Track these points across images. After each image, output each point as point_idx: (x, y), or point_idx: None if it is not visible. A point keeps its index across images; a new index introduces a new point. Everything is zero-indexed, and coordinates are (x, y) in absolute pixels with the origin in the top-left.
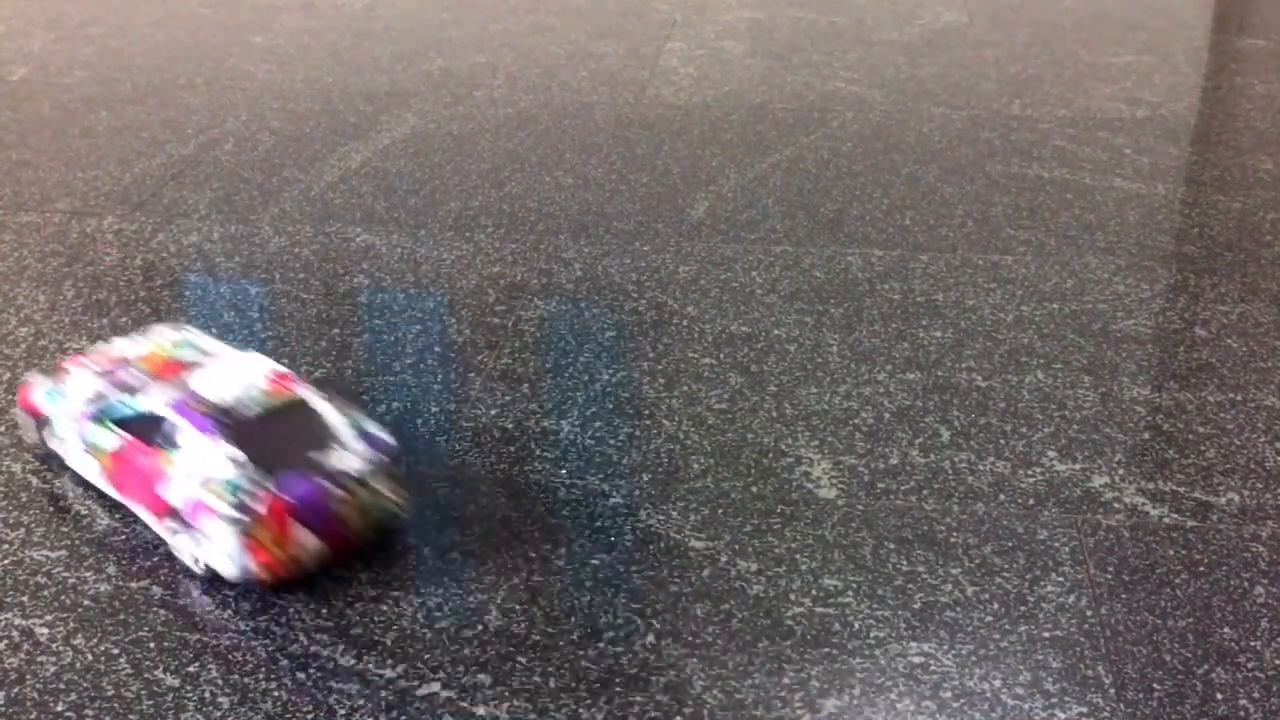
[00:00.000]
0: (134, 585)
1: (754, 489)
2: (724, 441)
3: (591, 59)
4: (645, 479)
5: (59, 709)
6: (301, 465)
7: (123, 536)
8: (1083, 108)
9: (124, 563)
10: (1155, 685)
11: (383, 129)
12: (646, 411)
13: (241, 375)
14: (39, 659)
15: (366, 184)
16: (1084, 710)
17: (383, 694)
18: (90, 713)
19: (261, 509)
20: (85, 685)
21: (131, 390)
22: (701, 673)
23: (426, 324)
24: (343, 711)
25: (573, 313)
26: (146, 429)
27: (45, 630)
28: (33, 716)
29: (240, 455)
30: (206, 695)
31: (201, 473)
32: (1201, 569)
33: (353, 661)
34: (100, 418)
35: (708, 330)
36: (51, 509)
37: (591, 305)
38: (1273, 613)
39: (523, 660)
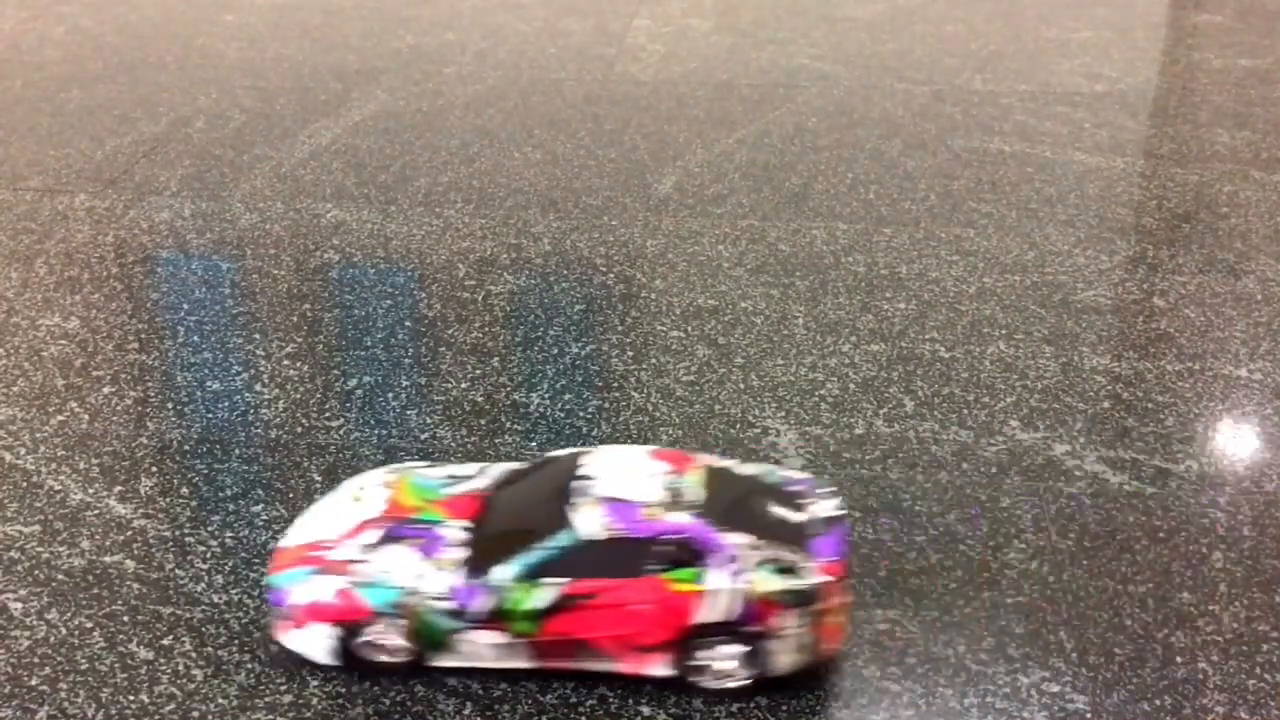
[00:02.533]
0: (107, 560)
1: None
2: (692, 413)
3: (560, 36)
4: None
5: (33, 683)
6: (806, 526)
7: (96, 512)
8: (1043, 82)
9: (97, 537)
10: (1116, 649)
11: (353, 106)
12: (615, 384)
13: (639, 467)
14: (13, 633)
15: (337, 161)
16: (1047, 674)
17: None
18: (64, 686)
19: (822, 580)
20: (59, 659)
21: (484, 538)
22: None
23: (397, 299)
24: (315, 682)
25: (542, 287)
26: (603, 561)
27: (19, 605)
28: (6, 690)
29: (756, 540)
30: (180, 668)
31: (729, 575)
32: (1161, 535)
33: None
34: (520, 576)
35: (675, 303)
36: (24, 485)
37: (561, 279)
38: (1230, 577)
39: None
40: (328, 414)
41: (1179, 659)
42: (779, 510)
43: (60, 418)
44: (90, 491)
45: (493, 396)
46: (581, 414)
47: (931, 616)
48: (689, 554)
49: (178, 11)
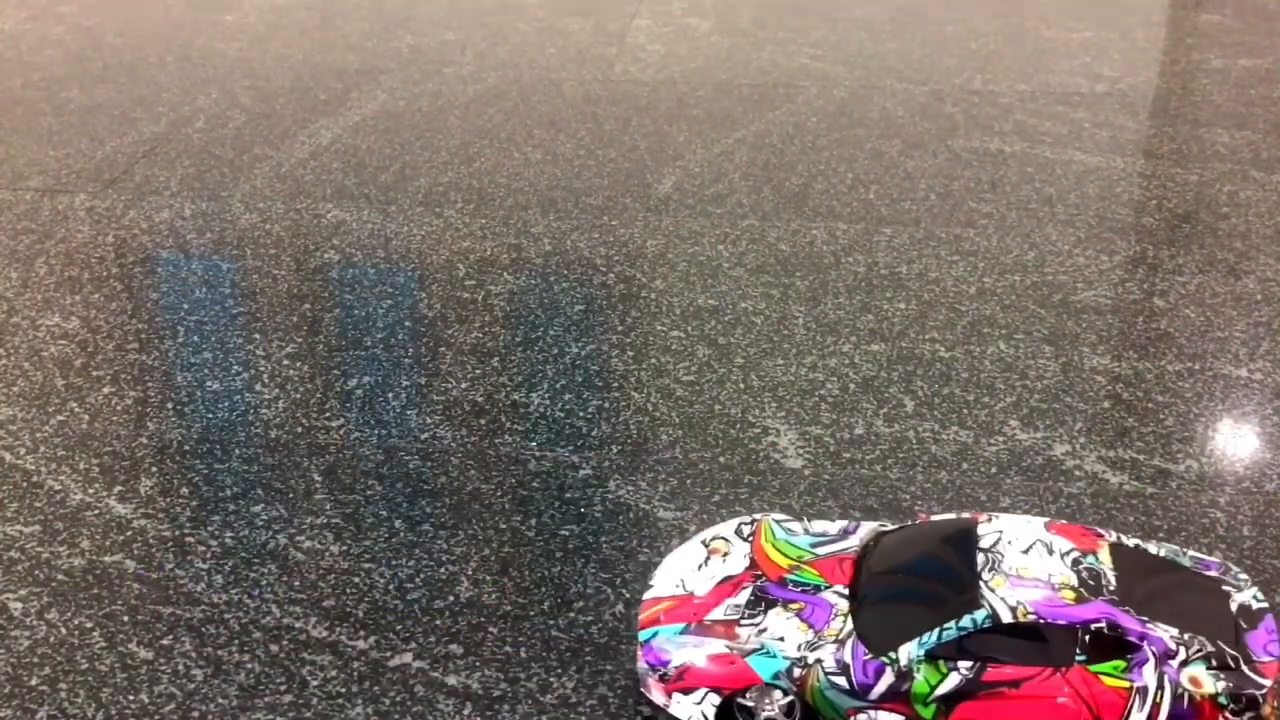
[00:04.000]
0: (107, 560)
1: (722, 459)
2: (692, 413)
3: (560, 36)
4: (614, 450)
5: (33, 683)
6: (1230, 615)
7: (96, 512)
8: (1043, 82)
9: (97, 537)
10: None
11: (353, 106)
12: (615, 384)
13: (1044, 541)
14: (13, 633)
15: (337, 160)
16: None
17: (355, 665)
18: (64, 686)
19: (1263, 680)
20: (59, 659)
21: (881, 607)
22: None
23: (397, 299)
24: (315, 682)
25: (542, 287)
26: (1018, 647)
27: (19, 605)
28: (6, 690)
29: (1184, 633)
30: (180, 668)
31: (1162, 672)
32: (1161, 535)
33: (325, 633)
34: (903, 654)
35: (675, 303)
36: (24, 485)
37: (561, 279)
38: None
39: (494, 630)
40: (328, 414)
41: None
42: (1201, 599)
43: (60, 418)
44: (90, 491)
45: (493, 396)
46: (581, 414)
47: None
48: (1120, 645)
49: (177, 12)
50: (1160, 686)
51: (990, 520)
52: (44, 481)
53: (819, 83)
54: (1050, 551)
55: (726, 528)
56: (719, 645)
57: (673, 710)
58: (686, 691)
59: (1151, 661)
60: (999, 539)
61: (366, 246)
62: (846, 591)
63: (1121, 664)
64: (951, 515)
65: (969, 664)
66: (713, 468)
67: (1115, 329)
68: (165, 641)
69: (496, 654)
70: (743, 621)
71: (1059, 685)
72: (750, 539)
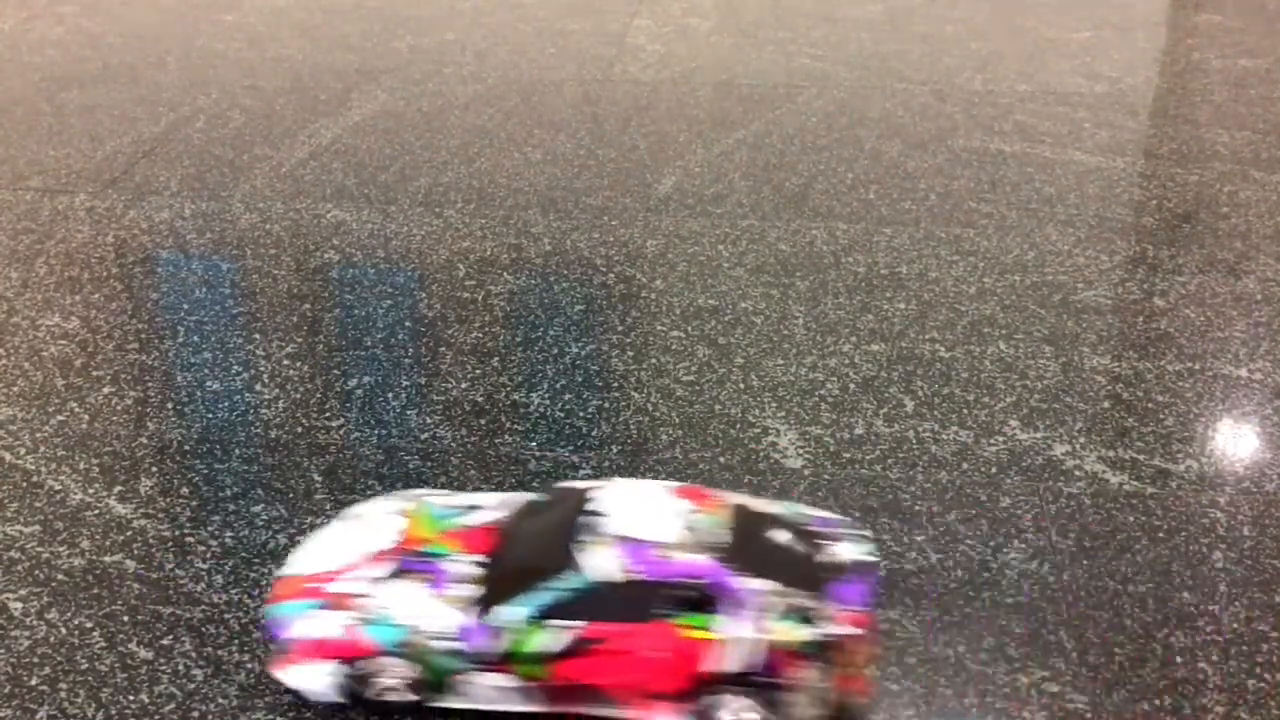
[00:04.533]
0: (107, 560)
1: (722, 459)
2: (692, 413)
3: (560, 36)
4: (615, 450)
5: (33, 683)
6: (828, 570)
7: (96, 512)
8: (1043, 82)
9: (97, 537)
10: (1116, 649)
11: (353, 106)
12: (615, 384)
13: (658, 504)
14: (13, 633)
15: (337, 161)
16: (1046, 674)
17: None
18: (64, 686)
19: (844, 630)
20: (59, 659)
21: (493, 574)
22: None
23: (397, 299)
24: None
25: (542, 287)
26: (616, 605)
27: (19, 605)
28: (6, 690)
29: (778, 586)
30: (180, 668)
31: (748, 622)
32: (1161, 535)
33: None
34: (531, 617)
35: (675, 303)
36: (24, 485)
37: (560, 279)
38: (1230, 577)
39: None
40: (328, 414)
41: (1179, 659)
42: (800, 552)
43: (60, 418)
44: (90, 491)
45: (493, 396)
46: (581, 414)
47: (931, 616)
48: (703, 599)
49: (177, 12)
50: (742, 637)
51: (607, 485)
52: (44, 481)
53: (819, 83)
54: (663, 512)
55: (385, 503)
56: (339, 616)
57: (292, 682)
58: (306, 662)
59: (738, 614)
60: (611, 502)
61: (366, 246)
62: (481, 560)
63: (709, 618)
64: (584, 483)
65: (566, 623)
66: (713, 468)
67: (1115, 329)
68: (165, 641)
69: None
70: (369, 594)
71: (644, 640)
72: (408, 515)
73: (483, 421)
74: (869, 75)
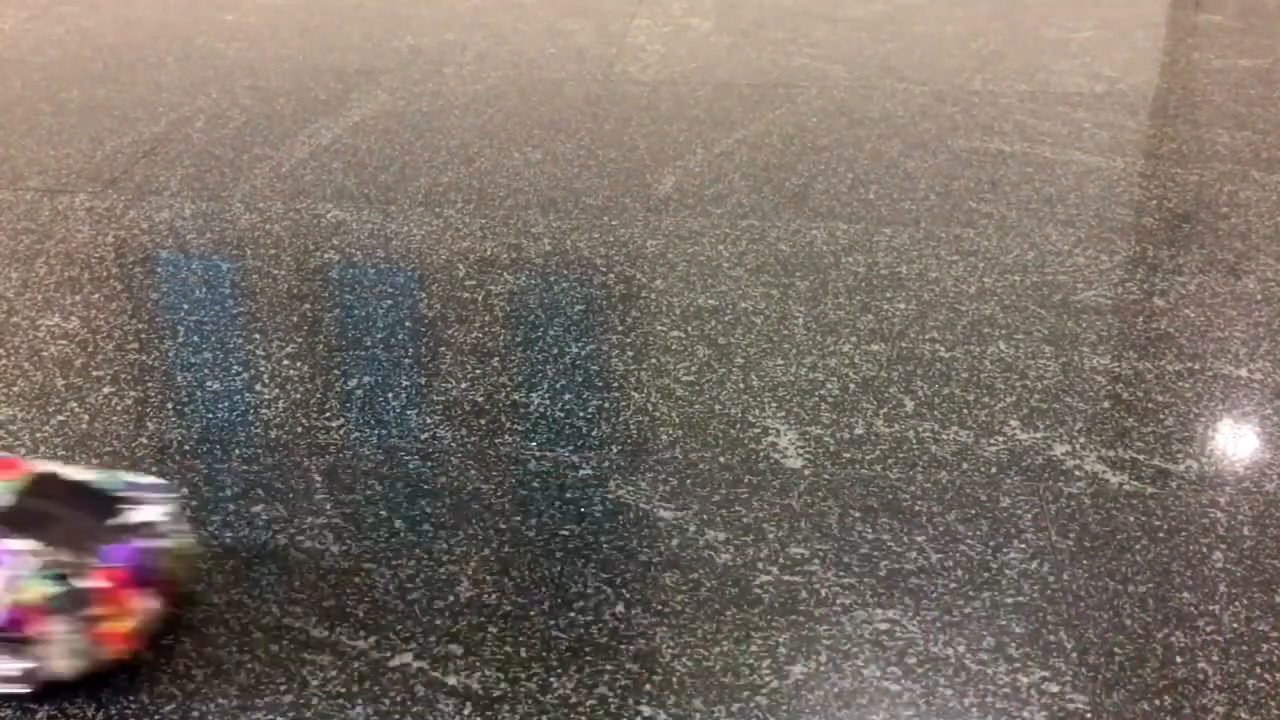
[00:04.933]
0: None
1: (722, 459)
2: (692, 413)
3: (560, 36)
4: (614, 450)
5: None
6: (105, 532)
7: None
8: (1043, 82)
9: None
10: (1116, 649)
11: (353, 106)
12: (615, 384)
13: None
14: None
15: (337, 161)
16: (1046, 674)
17: (355, 665)
18: (64, 686)
19: (97, 587)
20: None
21: None
22: (670, 641)
23: (397, 299)
24: (316, 682)
25: (542, 287)
26: None
27: None
28: (2, 691)
29: (39, 545)
30: (180, 668)
31: (6, 579)
32: (1161, 535)
33: (325, 633)
34: None
35: (675, 303)
36: None
37: (560, 279)
38: (1230, 577)
39: (494, 630)
40: (328, 414)
41: (1179, 659)
42: (86, 515)
43: (60, 418)
44: None
45: (493, 396)
46: (581, 414)
47: (931, 616)
48: None
49: (177, 12)
50: None
51: None
52: None
53: (819, 83)
54: None
55: None
56: None
57: None
58: None
59: None
60: None
61: (366, 246)
62: None
63: None
64: None
65: None
66: (713, 468)
67: (1115, 329)
68: (165, 641)
69: (496, 654)
70: None
71: None
72: None
73: (483, 421)
74: (868, 75)
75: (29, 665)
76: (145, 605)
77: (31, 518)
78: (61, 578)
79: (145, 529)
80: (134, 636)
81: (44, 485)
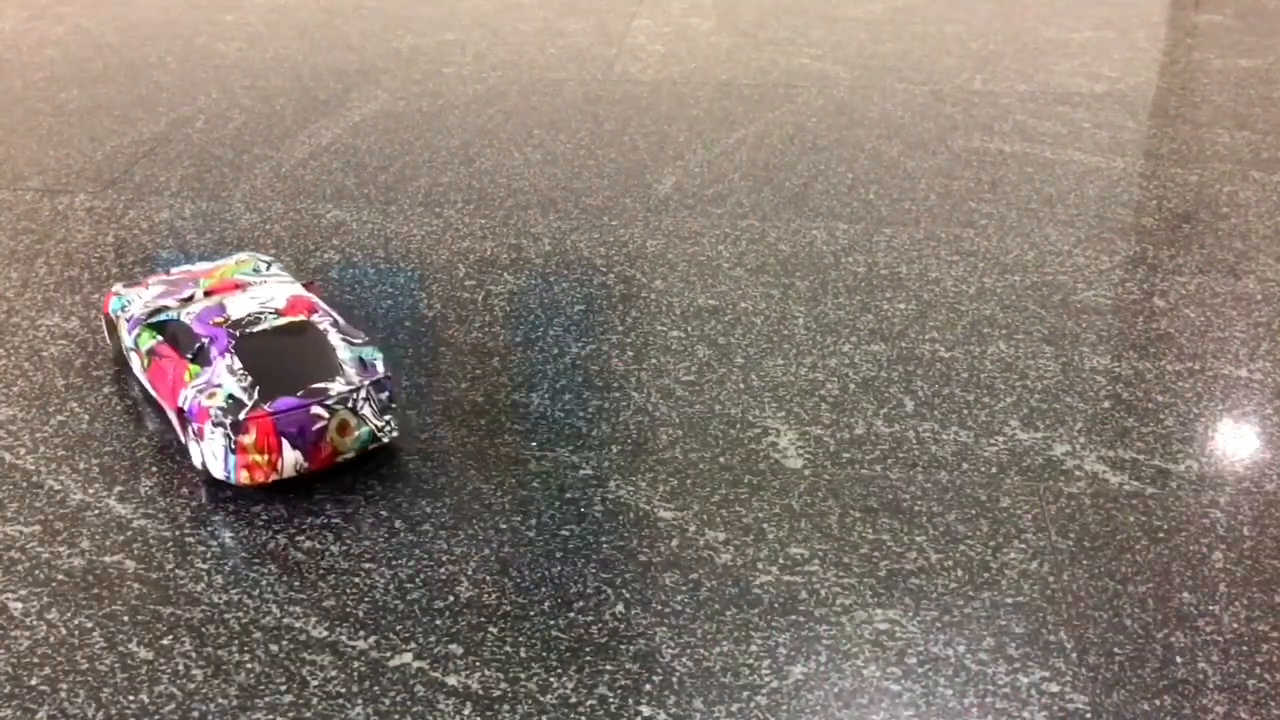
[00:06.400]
0: (107, 560)
1: (722, 459)
2: (692, 413)
3: (560, 36)
4: (614, 450)
5: (33, 683)
6: (294, 384)
7: (96, 512)
8: (1043, 82)
9: (97, 537)
10: (1116, 649)
11: (353, 106)
12: (615, 384)
13: (267, 295)
14: (13, 633)
15: (337, 161)
16: (1046, 674)
17: (355, 665)
18: (64, 686)
19: (250, 419)
20: (59, 659)
21: (183, 302)
22: (670, 641)
23: (397, 299)
24: (316, 683)
25: (542, 287)
26: (180, 338)
27: (19, 605)
28: (6, 690)
29: (239, 367)
30: (180, 668)
31: (209, 381)
32: (1161, 535)
33: (325, 633)
34: (147, 322)
35: (675, 303)
36: (24, 485)
37: (560, 279)
38: (1230, 577)
39: (494, 630)
40: None
41: (1179, 659)
42: (307, 364)
43: (60, 418)
44: (90, 491)
45: (493, 396)
46: (581, 414)
47: (931, 616)
48: (195, 351)
49: (177, 12)
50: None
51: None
52: (44, 481)
53: (819, 83)
54: (259, 303)
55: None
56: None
57: None
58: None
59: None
60: (255, 288)
61: (366, 246)
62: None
63: (197, 368)
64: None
65: (159, 338)
66: (713, 467)
67: (1115, 329)
68: (165, 641)
69: (496, 654)
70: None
71: (174, 365)
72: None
73: (483, 421)
74: (868, 75)
75: (197, 455)
76: (287, 454)
77: (261, 349)
78: (231, 398)
79: (325, 397)
80: (264, 471)
81: (297, 331)
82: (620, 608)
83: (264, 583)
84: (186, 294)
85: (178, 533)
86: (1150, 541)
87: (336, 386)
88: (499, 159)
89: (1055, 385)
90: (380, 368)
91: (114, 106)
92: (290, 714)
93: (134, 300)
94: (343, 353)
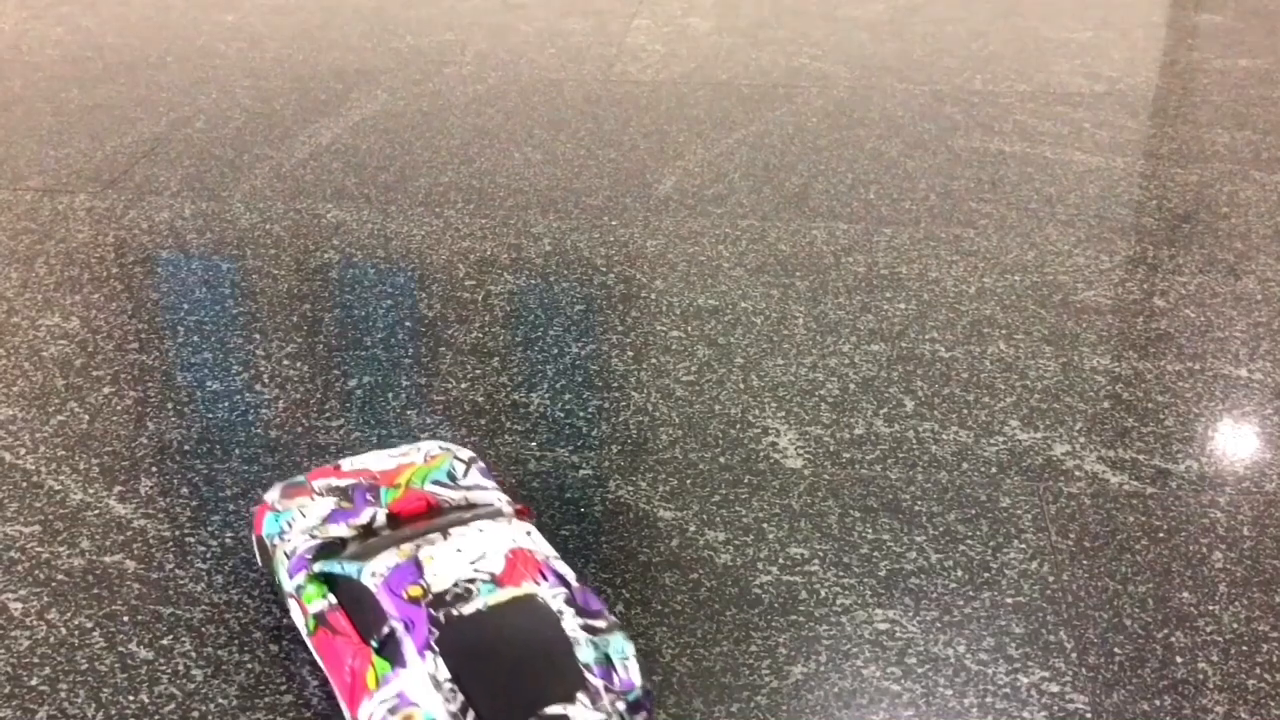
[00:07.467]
0: (108, 560)
1: (722, 459)
2: (692, 413)
3: (560, 36)
4: (614, 450)
5: (33, 683)
6: (524, 704)
7: (96, 512)
8: (1043, 82)
9: (97, 537)
10: (1116, 649)
11: (353, 106)
12: (615, 384)
13: (477, 548)
14: (13, 633)
15: (337, 161)
16: (1046, 674)
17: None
18: (64, 686)
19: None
20: (59, 659)
21: (359, 532)
22: (670, 641)
23: (397, 299)
24: (315, 682)
25: (542, 287)
26: (360, 605)
27: (19, 605)
28: (6, 690)
29: (447, 678)
30: (180, 668)
31: (403, 697)
32: (1161, 535)
33: None
34: (314, 570)
35: (675, 303)
36: (24, 485)
37: (560, 279)
38: (1230, 577)
39: None
40: (328, 414)
41: (1179, 659)
42: (530, 678)
43: (60, 418)
44: (90, 491)
45: (493, 396)
46: (581, 414)
47: (931, 616)
48: (380, 638)
49: (177, 12)
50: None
51: (468, 523)
52: (44, 481)
53: (819, 83)
54: (469, 563)
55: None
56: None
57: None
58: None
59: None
60: (458, 528)
61: (366, 246)
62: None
63: (387, 669)
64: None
65: (331, 600)
66: (713, 468)
67: (1115, 329)
68: (165, 641)
69: None
70: (315, 492)
71: (353, 651)
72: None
73: (483, 421)
74: (868, 75)
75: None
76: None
77: (475, 644)
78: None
79: None
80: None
81: (521, 610)
82: (620, 607)
83: (264, 583)
84: (364, 517)
85: (178, 533)
86: (1150, 541)
87: (579, 716)
88: (499, 159)
89: (1055, 385)
90: (635, 673)
91: (114, 106)
92: (290, 714)
93: (295, 521)
94: (584, 652)
